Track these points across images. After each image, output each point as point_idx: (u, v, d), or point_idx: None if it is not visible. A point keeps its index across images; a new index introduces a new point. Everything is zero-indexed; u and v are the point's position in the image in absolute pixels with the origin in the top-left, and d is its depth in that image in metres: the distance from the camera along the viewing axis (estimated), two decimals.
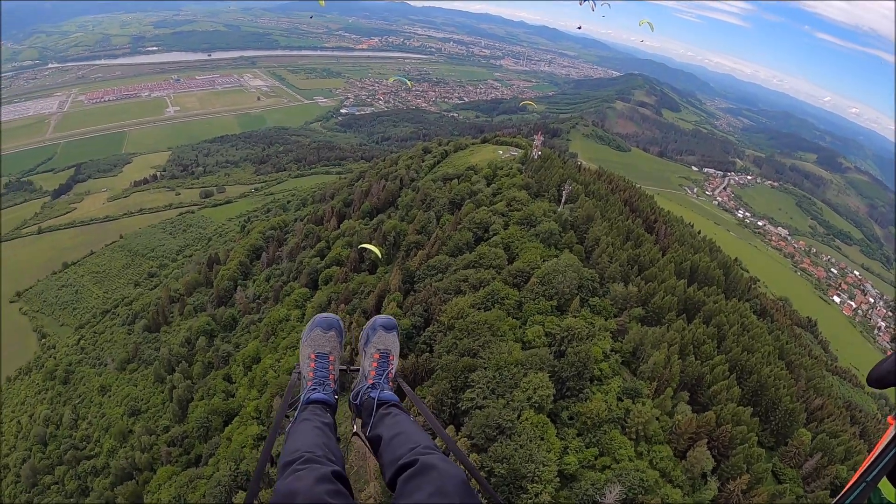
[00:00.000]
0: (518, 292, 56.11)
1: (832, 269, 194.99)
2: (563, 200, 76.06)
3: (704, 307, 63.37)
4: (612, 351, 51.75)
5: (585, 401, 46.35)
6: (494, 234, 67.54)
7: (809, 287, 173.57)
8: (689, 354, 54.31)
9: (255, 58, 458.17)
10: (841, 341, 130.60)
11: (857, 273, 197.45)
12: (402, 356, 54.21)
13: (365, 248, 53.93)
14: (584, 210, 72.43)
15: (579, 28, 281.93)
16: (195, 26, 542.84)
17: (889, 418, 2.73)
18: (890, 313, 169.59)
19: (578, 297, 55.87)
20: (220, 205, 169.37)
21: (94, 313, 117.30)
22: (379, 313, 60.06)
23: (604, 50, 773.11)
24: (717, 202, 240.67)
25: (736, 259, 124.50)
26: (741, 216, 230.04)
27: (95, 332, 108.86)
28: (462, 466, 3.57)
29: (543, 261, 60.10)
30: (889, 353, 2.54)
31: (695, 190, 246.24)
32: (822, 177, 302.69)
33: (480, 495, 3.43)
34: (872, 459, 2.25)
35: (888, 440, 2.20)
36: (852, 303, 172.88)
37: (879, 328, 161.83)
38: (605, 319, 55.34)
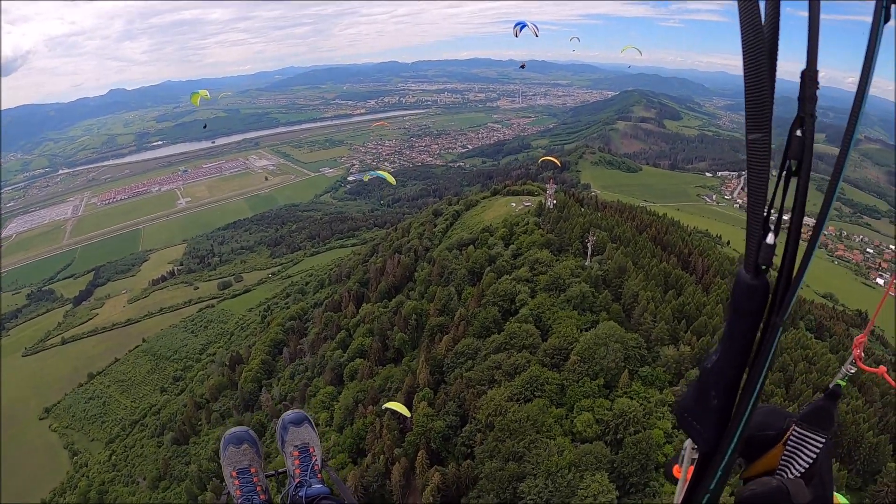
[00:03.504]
0: (558, 374, 50.51)
1: (868, 250, 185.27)
2: (589, 253, 70.82)
3: None
4: (674, 428, 45.84)
5: (653, 496, 40.61)
6: (522, 306, 62.20)
7: (850, 275, 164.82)
8: None
9: (258, 138, 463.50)
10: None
11: (892, 247, 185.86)
12: (441, 462, 49.78)
13: (389, 409, 49.70)
14: (615, 261, 67.02)
15: (522, 67, 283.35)
16: (196, 115, 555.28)
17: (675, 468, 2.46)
18: None
19: (626, 370, 50.22)
20: (239, 294, 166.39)
21: (123, 425, 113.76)
22: (411, 412, 55.34)
23: (595, 72, 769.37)
24: (737, 205, 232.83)
25: None
26: None
27: (126, 447, 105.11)
28: None
29: (581, 331, 54.73)
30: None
31: (713, 197, 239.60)
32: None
33: None
34: None
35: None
36: None
37: None
38: (661, 391, 49.30)
